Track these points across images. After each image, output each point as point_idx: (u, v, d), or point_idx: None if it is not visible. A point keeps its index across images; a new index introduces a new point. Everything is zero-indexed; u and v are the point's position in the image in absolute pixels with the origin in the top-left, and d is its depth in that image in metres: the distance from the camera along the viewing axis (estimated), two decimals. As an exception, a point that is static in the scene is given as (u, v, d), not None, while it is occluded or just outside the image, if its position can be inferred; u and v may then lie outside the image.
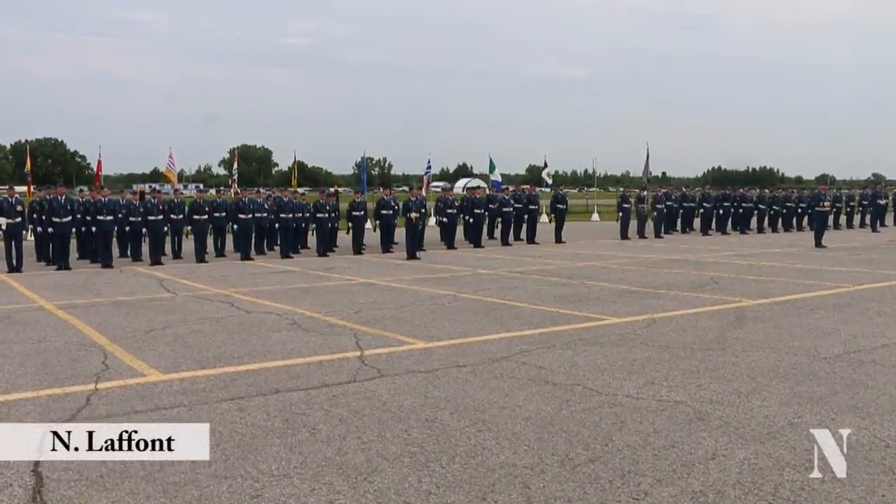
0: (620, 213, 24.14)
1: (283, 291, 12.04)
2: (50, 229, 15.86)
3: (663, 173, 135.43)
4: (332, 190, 24.50)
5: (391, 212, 19.88)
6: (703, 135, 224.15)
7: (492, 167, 30.42)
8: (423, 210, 19.76)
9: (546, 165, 33.50)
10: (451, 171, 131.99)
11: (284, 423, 5.24)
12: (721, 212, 26.46)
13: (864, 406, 5.55)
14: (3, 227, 15.09)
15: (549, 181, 33.24)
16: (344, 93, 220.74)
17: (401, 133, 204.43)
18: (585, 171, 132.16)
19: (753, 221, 27.36)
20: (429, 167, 33.89)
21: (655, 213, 24.59)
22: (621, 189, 27.33)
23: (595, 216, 37.18)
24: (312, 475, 4.29)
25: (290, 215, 18.54)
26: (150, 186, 21.26)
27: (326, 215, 18.99)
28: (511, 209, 21.97)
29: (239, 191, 21.14)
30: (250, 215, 18.11)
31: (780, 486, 4.08)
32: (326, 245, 18.93)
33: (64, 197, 16.40)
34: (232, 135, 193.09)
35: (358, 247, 19.09)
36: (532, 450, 4.67)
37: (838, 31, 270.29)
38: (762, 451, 4.63)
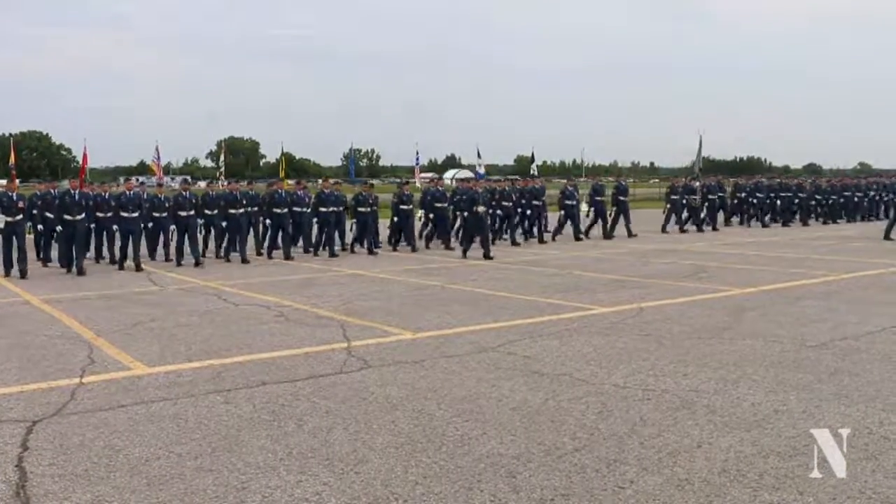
0: (668, 206, 22.47)
1: (270, 283, 12.00)
2: (59, 227, 13.84)
3: (651, 163, 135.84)
4: (370, 182, 22.54)
5: (446, 204, 18.12)
6: (688, 124, 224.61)
7: (479, 157, 30.38)
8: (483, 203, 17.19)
9: (533, 159, 33.39)
10: (440, 162, 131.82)
11: (271, 414, 5.22)
12: (779, 202, 25.12)
13: (849, 394, 5.59)
14: (1, 224, 13.06)
15: (535, 173, 33.07)
16: (331, 84, 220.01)
17: (388, 124, 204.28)
18: (574, 160, 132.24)
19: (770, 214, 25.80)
20: (418, 159, 33.90)
21: (707, 204, 23.17)
22: (672, 180, 25.14)
23: (583, 206, 37.06)
24: (299, 467, 4.28)
25: (331, 209, 16.47)
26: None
27: (368, 209, 16.92)
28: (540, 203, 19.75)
29: (274, 182, 18.56)
30: (286, 209, 16.17)
31: (765, 474, 4.11)
32: (371, 241, 16.85)
33: (77, 192, 14.27)
34: (219, 127, 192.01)
35: (412, 242, 17.42)
36: (518, 439, 4.68)
37: (821, 19, 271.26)
38: (748, 438, 4.65)
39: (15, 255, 13.11)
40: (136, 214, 14.46)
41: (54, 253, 14.87)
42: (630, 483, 4.02)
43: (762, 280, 11.63)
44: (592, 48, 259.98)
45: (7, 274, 13.02)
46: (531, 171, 30.82)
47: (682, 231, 21.83)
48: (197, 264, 14.43)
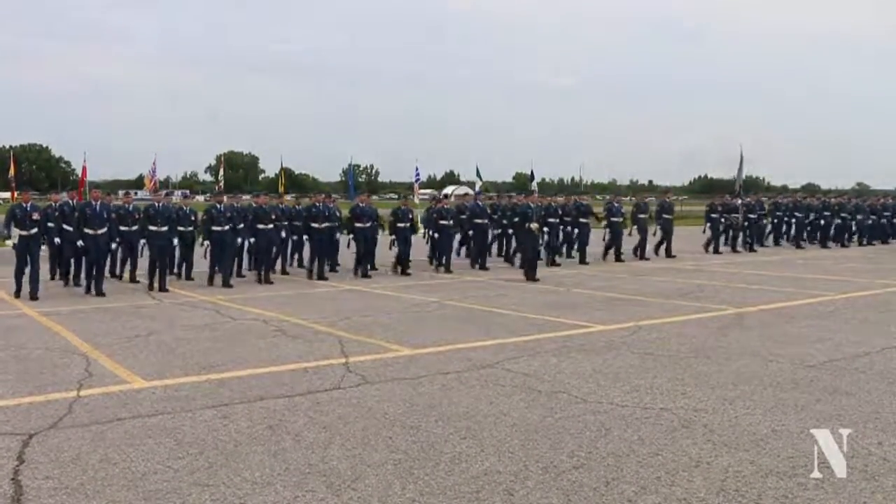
0: (709, 224, 21.23)
1: (269, 298, 11.99)
2: (80, 243, 12.44)
3: (650, 181, 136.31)
4: (407, 195, 20.39)
5: (486, 221, 16.99)
6: (684, 142, 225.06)
7: (477, 174, 30.47)
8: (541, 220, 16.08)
9: (533, 177, 33.41)
10: (439, 178, 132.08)
11: (268, 430, 5.21)
12: (822, 223, 24.18)
13: (847, 414, 5.58)
14: (15, 240, 11.83)
15: (534, 188, 33.07)
16: (331, 99, 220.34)
17: (387, 140, 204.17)
18: (572, 178, 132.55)
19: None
20: (417, 175, 33.95)
21: (747, 224, 21.99)
22: (713, 198, 22.90)
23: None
24: (296, 482, 4.26)
25: (368, 224, 15.36)
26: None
27: (408, 224, 15.74)
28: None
29: (311, 196, 16.92)
30: (325, 224, 14.88)
31: (764, 494, 4.10)
32: (404, 260, 15.65)
33: (99, 203, 12.75)
34: (218, 140, 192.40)
35: (447, 263, 16.15)
36: (516, 457, 4.66)
37: (818, 41, 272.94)
38: (746, 458, 4.64)
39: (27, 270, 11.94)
40: (165, 228, 13.12)
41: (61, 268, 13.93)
42: (628, 502, 4.00)
43: (760, 299, 11.63)
44: (592, 66, 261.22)
45: (18, 294, 11.80)
46: (531, 189, 30.80)
47: (718, 252, 20.76)
48: (223, 283, 13.35)
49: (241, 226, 13.91)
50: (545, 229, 16.63)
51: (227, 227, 13.55)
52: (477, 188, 29.78)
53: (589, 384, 6.43)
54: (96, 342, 8.28)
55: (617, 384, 6.43)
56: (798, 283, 14.08)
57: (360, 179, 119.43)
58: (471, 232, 17.12)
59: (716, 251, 20.84)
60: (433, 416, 5.53)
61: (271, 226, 14.32)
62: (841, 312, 10.41)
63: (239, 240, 13.83)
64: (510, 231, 17.45)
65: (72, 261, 13.58)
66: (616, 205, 18.69)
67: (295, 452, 4.75)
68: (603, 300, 11.65)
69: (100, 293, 12.17)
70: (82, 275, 13.11)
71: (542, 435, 5.09)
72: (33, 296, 11.62)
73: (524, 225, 14.75)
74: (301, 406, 5.77)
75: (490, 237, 17.95)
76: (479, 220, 16.95)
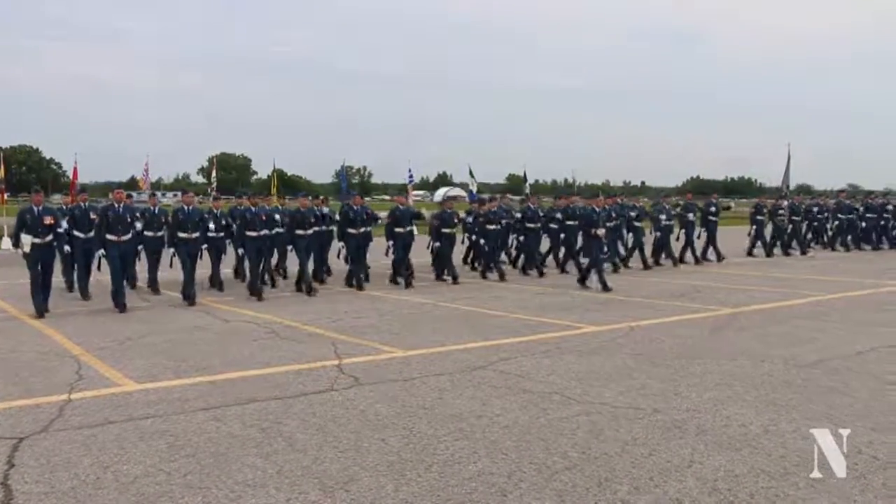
0: (754, 227, 20.42)
1: (262, 300, 11.94)
2: (101, 251, 11.22)
3: (642, 182, 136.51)
4: (453, 196, 18.51)
5: (538, 225, 16.01)
6: (675, 144, 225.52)
7: (471, 175, 30.42)
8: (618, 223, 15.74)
9: (526, 179, 33.39)
10: (431, 179, 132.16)
11: (261, 432, 5.19)
12: (865, 224, 23.11)
13: (839, 413, 5.60)
14: (27, 248, 10.54)
15: (528, 190, 33.05)
16: (323, 101, 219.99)
17: (380, 141, 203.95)
18: (565, 180, 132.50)
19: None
20: (410, 176, 33.93)
21: (792, 227, 21.23)
22: (756, 200, 22.18)
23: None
24: (289, 485, 4.25)
25: (407, 229, 14.12)
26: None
27: (451, 230, 14.60)
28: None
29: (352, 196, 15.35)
30: (362, 229, 13.69)
31: (756, 494, 4.11)
32: (452, 269, 14.49)
33: (123, 205, 11.41)
34: (211, 142, 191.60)
35: (499, 269, 15.10)
36: (509, 458, 4.66)
37: (810, 42, 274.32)
38: (738, 458, 4.65)
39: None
40: (196, 234, 12.09)
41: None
42: (621, 503, 4.01)
43: (754, 300, 11.66)
44: (591, 68, 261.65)
45: (40, 314, 10.30)
46: (525, 191, 30.75)
47: (770, 255, 20.06)
48: (256, 295, 12.07)
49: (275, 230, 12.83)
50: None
51: (263, 232, 12.51)
52: (472, 190, 29.74)
53: (582, 385, 6.43)
54: (88, 345, 8.24)
55: (610, 385, 6.43)
56: (791, 283, 14.11)
57: (353, 181, 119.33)
58: (522, 237, 16.20)
59: (768, 254, 20.09)
60: (426, 417, 5.53)
61: (311, 231, 13.23)
62: (833, 313, 10.45)
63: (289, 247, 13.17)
64: (561, 235, 16.52)
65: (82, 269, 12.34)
66: (666, 206, 17.83)
67: (288, 454, 4.74)
68: (598, 301, 11.66)
69: (121, 308, 10.73)
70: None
71: (536, 436, 5.09)
72: (40, 313, 10.31)
73: (589, 230, 13.51)
74: (294, 408, 5.76)
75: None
76: (531, 224, 15.98)
